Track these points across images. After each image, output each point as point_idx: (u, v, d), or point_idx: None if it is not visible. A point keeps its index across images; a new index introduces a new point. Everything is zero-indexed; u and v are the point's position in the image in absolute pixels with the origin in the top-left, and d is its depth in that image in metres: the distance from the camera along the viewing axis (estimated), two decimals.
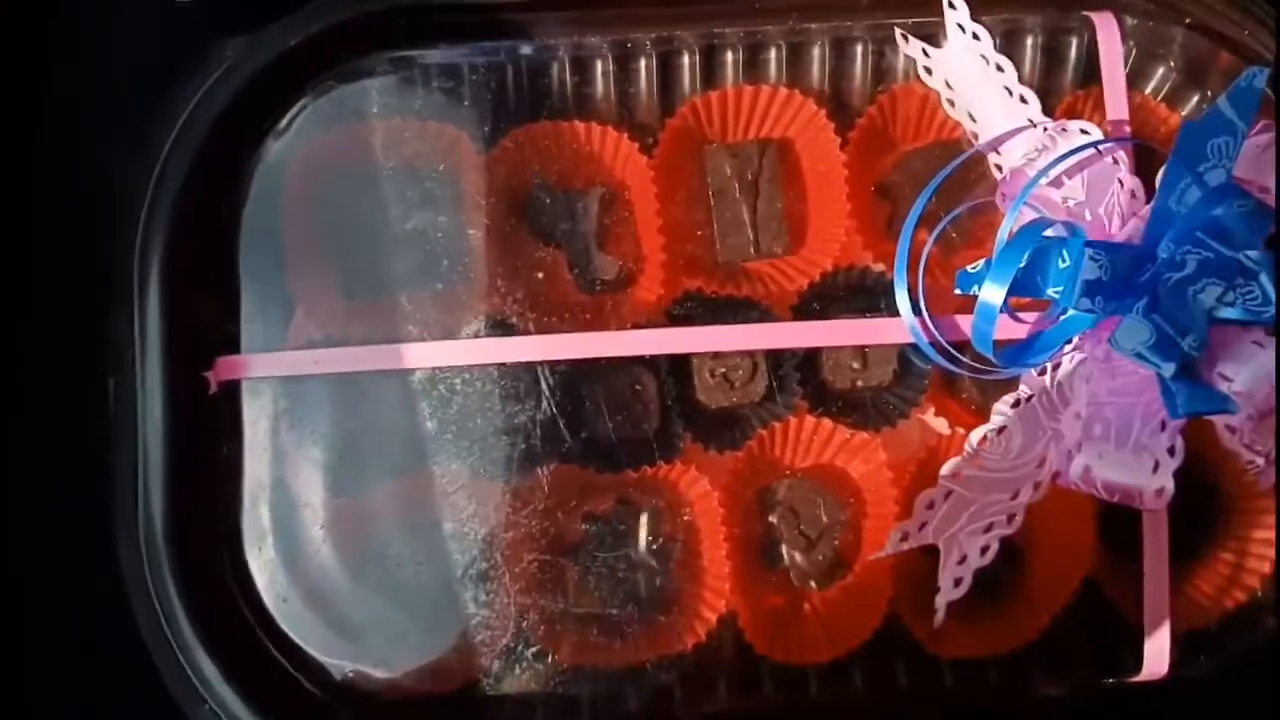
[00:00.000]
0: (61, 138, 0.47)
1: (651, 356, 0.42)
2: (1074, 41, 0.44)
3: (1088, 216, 0.37)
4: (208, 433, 0.40)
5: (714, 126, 0.45)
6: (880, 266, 0.43)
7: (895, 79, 0.44)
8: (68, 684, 0.42)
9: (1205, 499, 0.41)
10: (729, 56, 0.44)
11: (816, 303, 0.43)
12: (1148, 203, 0.37)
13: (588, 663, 0.40)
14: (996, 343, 0.36)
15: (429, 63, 0.43)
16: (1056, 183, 0.36)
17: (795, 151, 0.45)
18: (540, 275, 0.43)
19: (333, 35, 0.41)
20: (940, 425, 0.42)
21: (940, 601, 0.37)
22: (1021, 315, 0.37)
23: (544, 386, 0.41)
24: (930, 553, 0.42)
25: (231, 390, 0.40)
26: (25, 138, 0.47)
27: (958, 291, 0.36)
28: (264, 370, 0.40)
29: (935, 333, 0.37)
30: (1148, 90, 0.45)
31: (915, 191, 0.42)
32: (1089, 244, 0.33)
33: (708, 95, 0.44)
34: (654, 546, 0.42)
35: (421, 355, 0.40)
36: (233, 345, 0.41)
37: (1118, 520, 0.42)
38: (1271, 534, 0.40)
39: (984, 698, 0.41)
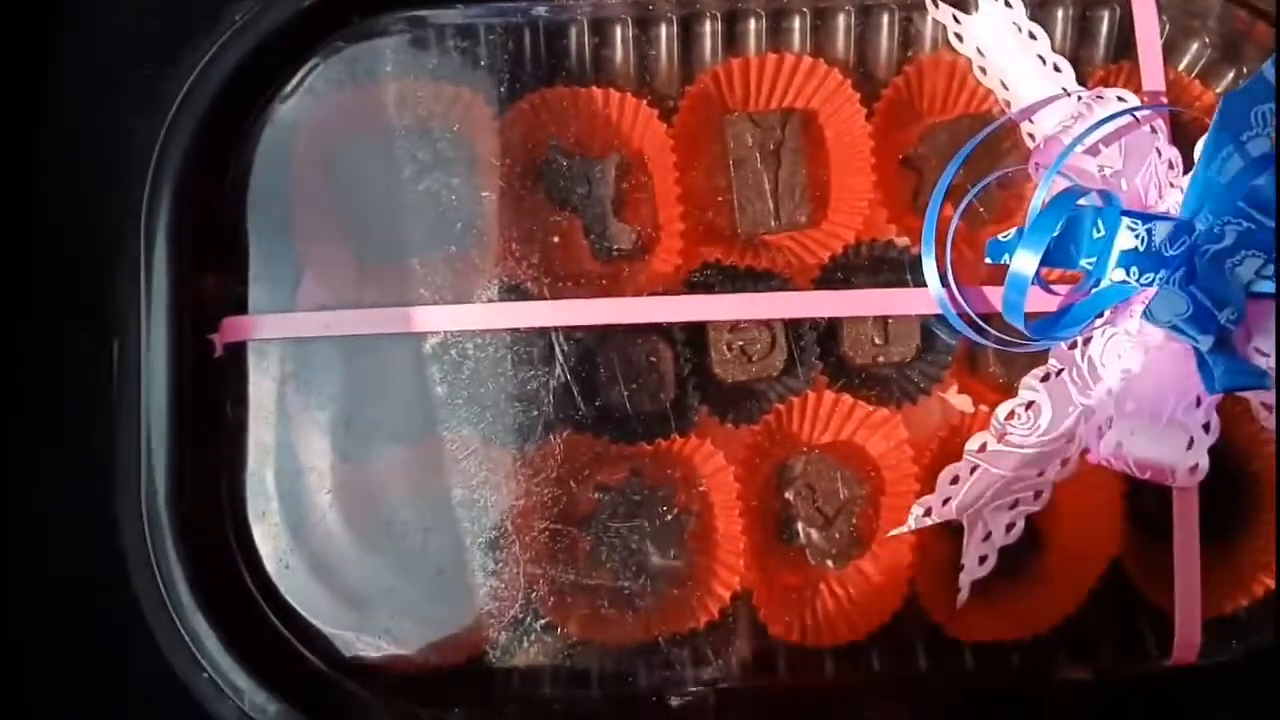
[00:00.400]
0: (67, 99, 0.46)
1: (668, 326, 0.41)
2: (1105, 15, 0.43)
3: (1124, 186, 0.36)
4: (213, 396, 0.39)
5: (736, 95, 0.44)
6: (904, 240, 0.42)
7: (922, 49, 0.43)
8: (66, 651, 0.41)
9: (1235, 481, 0.40)
10: (752, 24, 0.43)
11: (838, 275, 0.42)
12: (1185, 173, 0.36)
13: (597, 636, 0.39)
14: (1026, 315, 0.35)
15: (443, 23, 0.42)
16: (1093, 151, 0.35)
17: (819, 122, 0.44)
18: (555, 242, 0.42)
19: None
20: (963, 403, 0.41)
21: (964, 579, 0.36)
22: (1053, 287, 0.36)
23: (558, 354, 0.40)
24: (951, 534, 0.41)
25: (238, 352, 0.39)
26: (31, 101, 0.46)
27: (988, 260, 0.35)
28: (272, 331, 0.39)
29: (963, 304, 0.36)
30: (1181, 67, 0.44)
31: (942, 164, 0.41)
32: (1126, 213, 0.32)
33: (730, 63, 0.43)
34: (667, 520, 0.41)
35: (434, 319, 0.39)
36: (240, 307, 0.39)
37: (1144, 503, 0.41)
38: None
39: (1006, 682, 0.39)
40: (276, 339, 0.39)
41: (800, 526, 0.42)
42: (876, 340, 0.41)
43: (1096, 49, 0.43)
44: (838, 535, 0.42)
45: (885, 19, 0.43)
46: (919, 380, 0.42)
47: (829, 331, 0.42)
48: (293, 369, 0.39)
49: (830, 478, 0.42)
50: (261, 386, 0.39)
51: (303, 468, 0.39)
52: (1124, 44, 0.43)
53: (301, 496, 0.39)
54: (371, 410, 0.39)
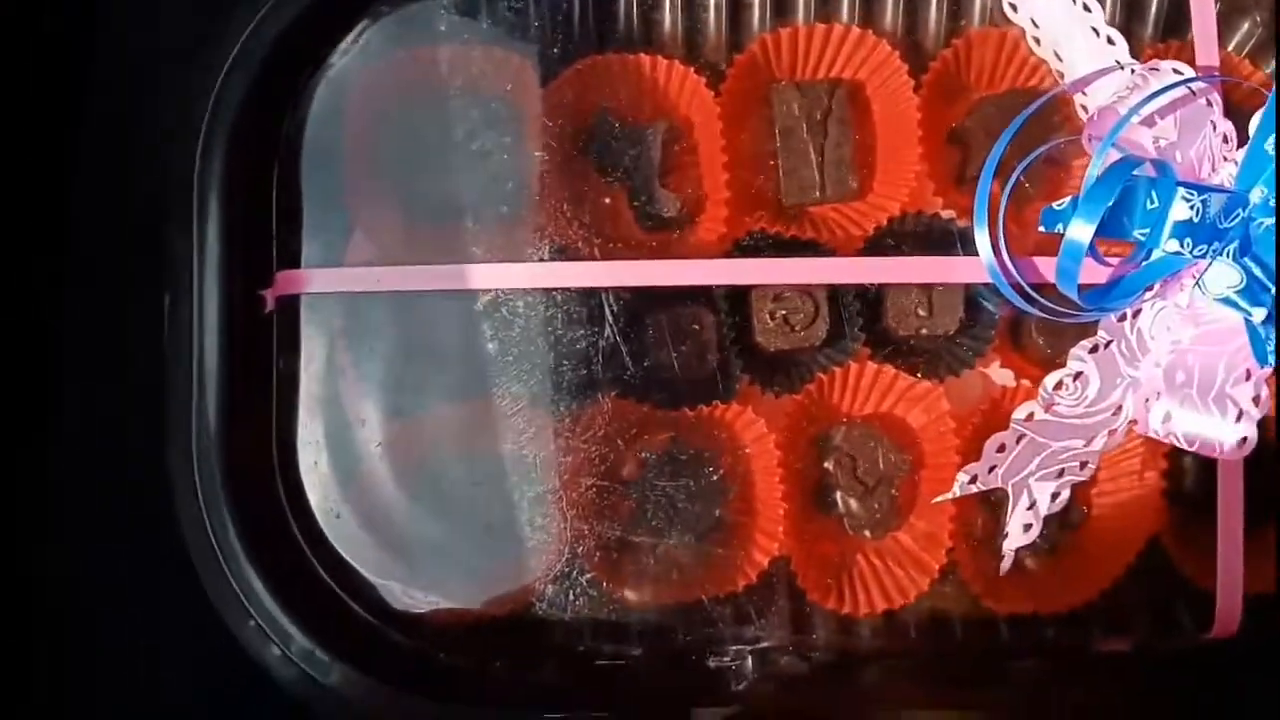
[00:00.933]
0: (119, 57, 0.47)
1: (712, 294, 0.41)
2: None
3: (1178, 159, 0.35)
4: (264, 349, 0.39)
5: (783, 64, 0.44)
6: (950, 212, 0.42)
7: (971, 22, 0.43)
8: (113, 598, 0.42)
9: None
10: None
11: (883, 246, 0.42)
12: (1240, 147, 0.36)
13: (638, 594, 0.40)
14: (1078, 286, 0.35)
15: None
16: (1148, 122, 0.35)
17: (866, 93, 0.44)
18: (600, 209, 0.42)
19: None
20: (1005, 377, 0.41)
21: (1008, 546, 0.36)
22: (1106, 258, 0.36)
23: (608, 314, 0.40)
24: (990, 508, 0.41)
25: (291, 306, 0.40)
26: (83, 58, 0.47)
27: (1041, 229, 0.35)
28: (325, 286, 0.39)
29: (1015, 273, 0.36)
30: (1231, 46, 0.43)
31: (990, 138, 0.40)
32: (1182, 183, 0.32)
33: (778, 32, 0.43)
34: (708, 485, 0.41)
35: (485, 276, 0.39)
36: (294, 263, 0.40)
37: (1184, 481, 0.41)
38: None
39: (1043, 654, 0.40)
40: (329, 293, 0.39)
41: (839, 496, 0.42)
42: (920, 312, 0.41)
43: (1145, 27, 0.43)
44: (877, 505, 0.42)
45: None
46: (961, 354, 0.42)
47: (873, 303, 0.42)
48: (345, 324, 0.40)
49: (871, 448, 0.42)
50: (313, 340, 0.40)
51: (353, 421, 0.39)
52: (1173, 23, 0.43)
53: (352, 449, 0.40)
54: (422, 366, 0.40)
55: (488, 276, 0.39)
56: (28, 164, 0.46)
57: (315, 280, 0.39)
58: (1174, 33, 0.43)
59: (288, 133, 0.41)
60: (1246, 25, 0.43)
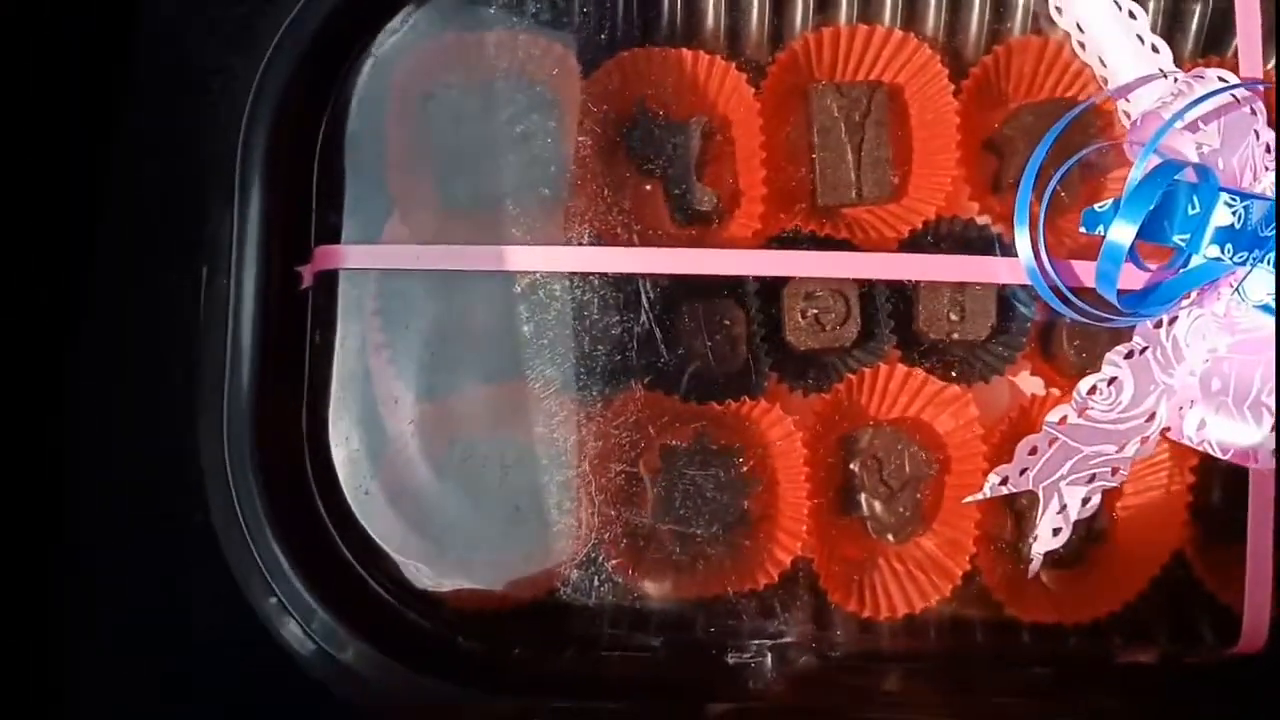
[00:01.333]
0: (163, 37, 0.47)
1: (747, 286, 0.41)
2: (1197, 8, 0.43)
3: (1220, 166, 0.35)
4: (299, 322, 0.40)
5: (823, 65, 0.44)
6: (986, 218, 0.42)
7: (1013, 29, 0.43)
8: (138, 568, 0.42)
9: None
10: None
11: (917, 250, 0.42)
12: None
13: (660, 585, 0.40)
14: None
15: None
16: (1191, 128, 0.35)
17: (905, 97, 0.44)
18: (637, 199, 0.42)
19: None
20: (1035, 385, 0.41)
21: (1037, 549, 0.36)
22: (1146, 263, 0.36)
23: (643, 302, 0.40)
24: (1014, 515, 0.41)
25: (329, 282, 0.40)
26: (126, 38, 0.47)
27: (1082, 230, 0.35)
28: (363, 262, 0.40)
29: (1054, 275, 0.36)
30: (1270, 65, 0.43)
31: (1028, 147, 0.40)
32: (1224, 189, 0.32)
33: (820, 32, 0.43)
34: (733, 480, 0.41)
35: (522, 259, 0.39)
36: (333, 237, 0.40)
37: (1210, 494, 0.41)
38: None
39: (1064, 663, 0.39)
40: (367, 270, 0.40)
41: (864, 498, 0.42)
42: (952, 316, 0.41)
43: (1186, 41, 0.43)
44: (901, 509, 0.42)
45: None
46: (992, 360, 0.42)
47: (904, 305, 0.42)
48: (381, 302, 0.40)
49: (898, 452, 0.42)
50: (350, 317, 0.40)
51: (385, 399, 0.40)
52: (1214, 38, 0.43)
53: (384, 427, 0.40)
54: (456, 346, 0.40)
55: (525, 259, 0.39)
56: (72, 142, 0.46)
57: (353, 256, 0.40)
58: (1215, 47, 0.43)
59: (332, 112, 0.41)
60: None
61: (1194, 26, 0.43)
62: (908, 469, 0.42)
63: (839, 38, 0.43)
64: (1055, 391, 0.41)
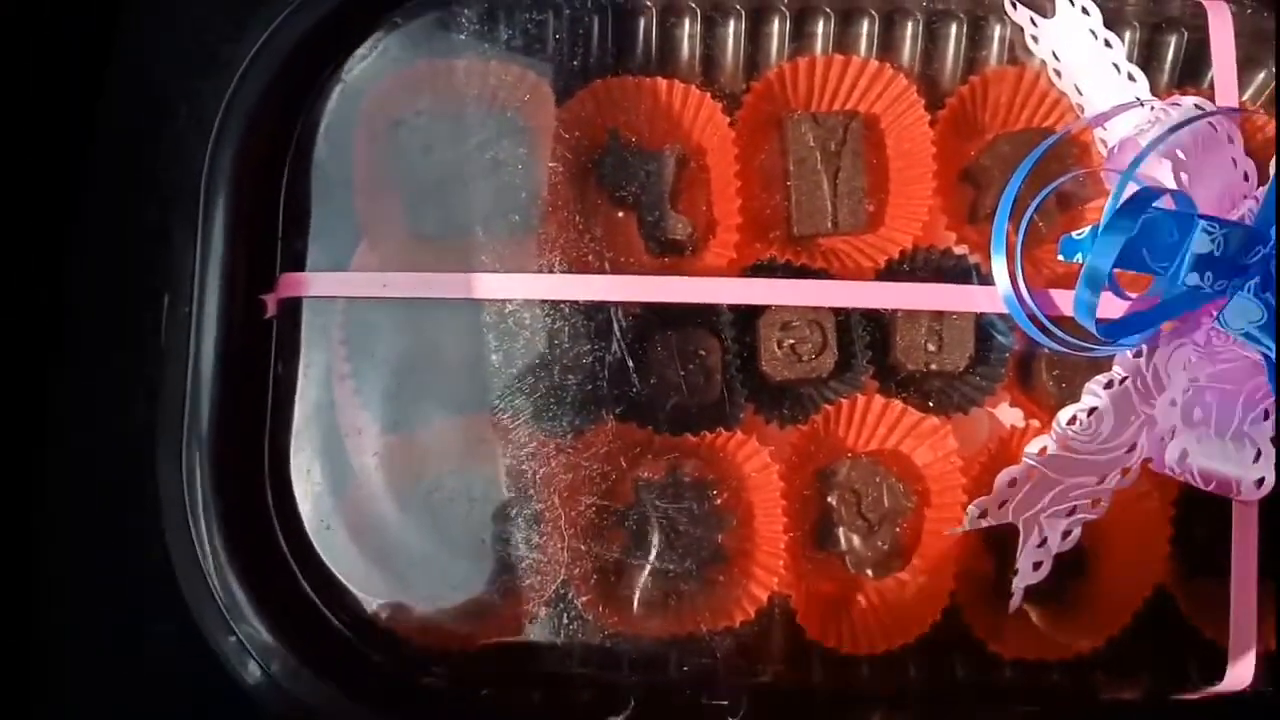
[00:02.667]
0: (138, 56, 0.47)
1: (722, 316, 0.40)
2: (1172, 40, 0.43)
3: (1200, 195, 0.35)
4: (263, 353, 0.39)
5: (800, 94, 0.44)
6: (963, 248, 0.41)
7: (989, 58, 0.43)
8: (90, 602, 0.40)
9: None
10: (820, 25, 0.43)
11: (893, 280, 0.41)
12: (1261, 186, 0.35)
13: (632, 623, 0.38)
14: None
15: (514, 2, 0.42)
16: (1168, 156, 0.35)
17: (881, 127, 0.43)
18: (610, 228, 0.42)
19: None
20: (1014, 417, 0.41)
21: (1018, 584, 0.35)
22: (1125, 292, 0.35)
23: (615, 332, 0.39)
24: (994, 550, 0.40)
25: (293, 310, 0.39)
26: (101, 55, 0.46)
27: (1060, 257, 0.34)
28: (329, 289, 0.39)
29: (1031, 304, 0.36)
30: (1246, 96, 0.43)
31: (1005, 176, 0.40)
32: (1203, 217, 0.32)
33: (796, 62, 0.43)
34: (707, 515, 0.40)
35: (492, 286, 0.38)
36: (299, 265, 0.39)
37: (1193, 529, 0.40)
38: None
39: (1046, 700, 0.38)
40: (333, 298, 0.39)
41: (842, 532, 0.41)
42: (930, 346, 0.41)
43: (1162, 74, 0.43)
44: (880, 544, 0.41)
45: (954, 28, 0.43)
46: (970, 391, 0.41)
47: (881, 335, 0.41)
48: (347, 331, 0.39)
49: (876, 485, 0.41)
50: (314, 346, 0.39)
51: (349, 430, 0.38)
52: (1189, 70, 0.43)
53: (347, 459, 0.39)
54: (423, 376, 0.39)
55: (496, 286, 0.38)
56: (35, 164, 0.45)
57: (319, 284, 0.39)
58: (1190, 79, 0.43)
59: (300, 138, 0.41)
60: (1261, 76, 0.43)
61: (1169, 58, 0.43)
62: (886, 502, 0.41)
63: (815, 67, 0.43)
64: (1035, 423, 0.40)
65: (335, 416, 0.39)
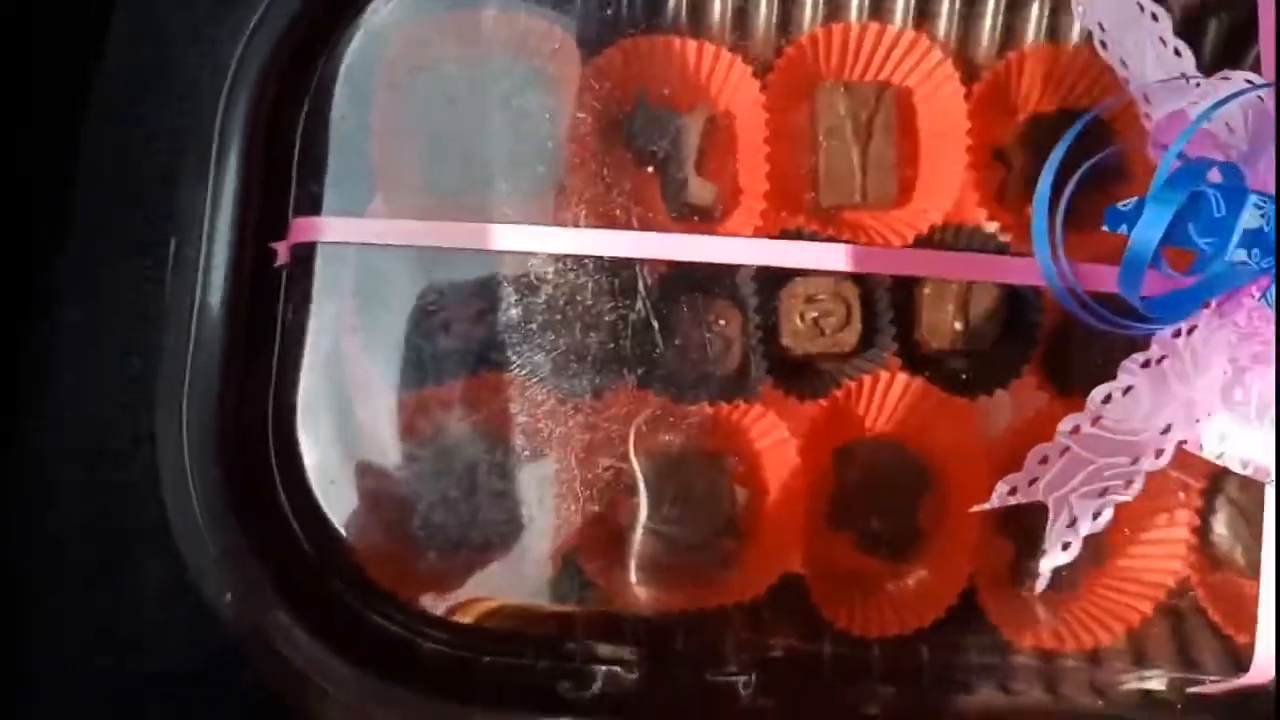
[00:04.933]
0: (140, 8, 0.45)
1: (748, 281, 0.39)
2: (1213, 23, 0.42)
3: (1246, 169, 0.34)
4: (271, 300, 0.37)
5: (831, 63, 0.42)
6: (995, 225, 0.40)
7: (1027, 33, 0.42)
8: (84, 560, 0.39)
9: None
10: None
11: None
12: None
13: (642, 592, 0.37)
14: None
15: None
16: (1216, 131, 0.34)
17: (914, 99, 0.42)
18: (634, 191, 0.40)
19: None
20: (1041, 399, 0.40)
21: (1045, 565, 0.34)
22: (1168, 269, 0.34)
23: (639, 289, 0.38)
24: (1014, 536, 0.39)
25: (306, 257, 0.38)
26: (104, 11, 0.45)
27: (1105, 228, 0.33)
28: (343, 235, 0.37)
29: (1070, 278, 0.34)
30: None
31: (1039, 157, 0.39)
32: (1254, 191, 0.31)
33: (830, 28, 0.42)
34: (723, 486, 0.39)
35: (511, 238, 0.37)
36: (313, 211, 0.38)
37: (1216, 523, 0.39)
38: None
39: (1062, 689, 0.37)
40: (347, 246, 0.37)
41: (859, 512, 0.40)
42: (957, 325, 0.40)
43: (1204, 51, 0.42)
44: (897, 525, 0.40)
45: (991, 2, 0.42)
46: (996, 372, 0.40)
47: (907, 312, 0.40)
48: (361, 280, 0.38)
49: (894, 465, 0.40)
50: (326, 294, 0.38)
51: (360, 384, 0.37)
52: (1231, 49, 0.42)
53: (357, 413, 0.37)
54: (439, 330, 0.38)
55: (514, 239, 0.37)
56: (40, 104, 0.44)
57: (332, 229, 0.38)
58: (1230, 60, 0.41)
59: (319, 82, 0.39)
60: None
61: (1209, 38, 0.42)
62: (904, 483, 0.40)
63: (848, 35, 0.42)
64: (1061, 406, 0.39)
65: (345, 370, 0.37)
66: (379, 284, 0.38)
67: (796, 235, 0.41)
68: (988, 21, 0.42)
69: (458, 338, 0.37)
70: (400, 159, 0.39)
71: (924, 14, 0.42)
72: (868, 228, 0.41)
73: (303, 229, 0.38)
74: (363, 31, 0.40)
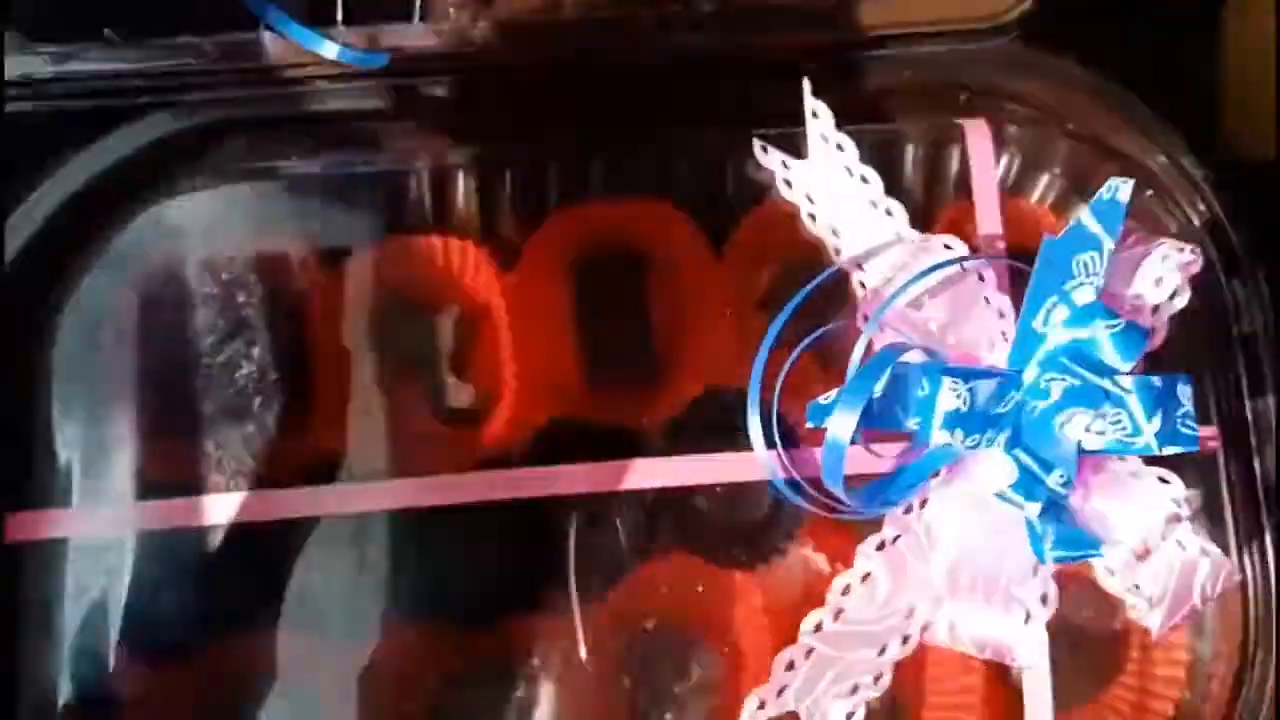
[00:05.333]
0: None
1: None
2: (955, 152, 0.42)
3: (952, 340, 0.34)
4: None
5: (580, 241, 0.42)
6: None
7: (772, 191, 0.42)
8: None
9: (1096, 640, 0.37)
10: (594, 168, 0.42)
11: (690, 427, 0.39)
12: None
13: None
14: (857, 478, 0.32)
15: (273, 176, 0.41)
16: (917, 303, 0.33)
17: (667, 267, 0.42)
18: (391, 405, 0.40)
19: (161, 150, 0.39)
20: (819, 562, 0.39)
21: None
22: (883, 448, 0.34)
23: (386, 537, 0.37)
24: None
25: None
26: None
27: (809, 425, 0.33)
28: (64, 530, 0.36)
29: (789, 468, 0.34)
30: (1034, 198, 0.42)
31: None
32: (945, 370, 0.30)
33: (572, 208, 0.41)
34: (510, 703, 0.38)
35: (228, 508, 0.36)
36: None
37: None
38: (1176, 671, 0.36)
39: None
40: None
41: (652, 710, 0.39)
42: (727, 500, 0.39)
43: (947, 186, 0.42)
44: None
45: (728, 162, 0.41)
46: (773, 539, 0.40)
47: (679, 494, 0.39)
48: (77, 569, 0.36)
49: (681, 654, 0.39)
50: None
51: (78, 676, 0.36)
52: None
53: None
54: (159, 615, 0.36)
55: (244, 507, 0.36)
56: None
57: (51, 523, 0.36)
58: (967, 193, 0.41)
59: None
60: (1046, 177, 0.42)
61: (953, 170, 0.42)
62: (695, 672, 0.39)
63: (590, 215, 0.41)
64: (842, 566, 0.38)
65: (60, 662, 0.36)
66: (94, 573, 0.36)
67: (563, 423, 0.40)
68: (730, 185, 0.42)
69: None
70: (124, 416, 0.38)
71: (667, 181, 0.41)
72: (636, 403, 0.41)
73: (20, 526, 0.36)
74: (82, 287, 0.39)
